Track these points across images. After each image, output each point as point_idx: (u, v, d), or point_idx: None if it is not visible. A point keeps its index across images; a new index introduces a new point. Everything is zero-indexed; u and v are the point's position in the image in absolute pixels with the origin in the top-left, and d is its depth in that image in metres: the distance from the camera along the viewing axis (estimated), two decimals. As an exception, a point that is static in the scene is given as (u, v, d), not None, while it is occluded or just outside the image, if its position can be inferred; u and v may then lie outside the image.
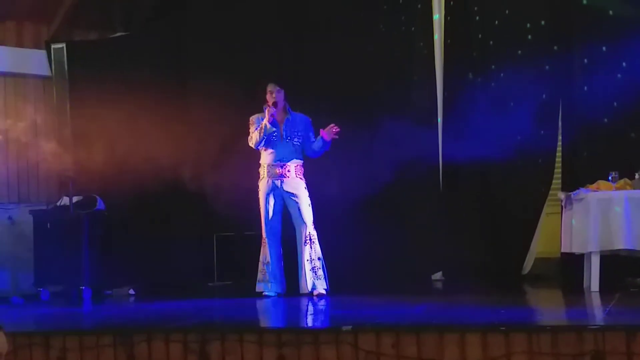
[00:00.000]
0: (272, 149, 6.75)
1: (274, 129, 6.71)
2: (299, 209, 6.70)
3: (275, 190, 6.72)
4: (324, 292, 6.65)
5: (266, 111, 6.72)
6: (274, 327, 5.36)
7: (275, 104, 6.69)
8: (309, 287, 6.65)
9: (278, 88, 6.80)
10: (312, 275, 6.66)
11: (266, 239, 6.69)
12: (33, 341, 4.99)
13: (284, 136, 6.76)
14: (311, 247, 6.66)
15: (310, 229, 6.68)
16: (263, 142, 6.73)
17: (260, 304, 6.42)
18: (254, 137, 6.78)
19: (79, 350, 4.95)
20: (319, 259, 6.68)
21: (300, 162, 6.80)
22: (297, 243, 6.75)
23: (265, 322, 5.73)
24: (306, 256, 6.66)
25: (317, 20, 8.09)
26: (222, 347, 4.76)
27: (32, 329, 5.62)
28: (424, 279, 7.69)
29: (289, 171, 6.73)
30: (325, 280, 6.69)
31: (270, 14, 8.20)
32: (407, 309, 5.54)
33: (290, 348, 4.65)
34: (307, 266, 6.65)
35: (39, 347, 4.98)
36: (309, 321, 5.75)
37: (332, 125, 6.68)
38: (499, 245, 7.54)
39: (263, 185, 6.76)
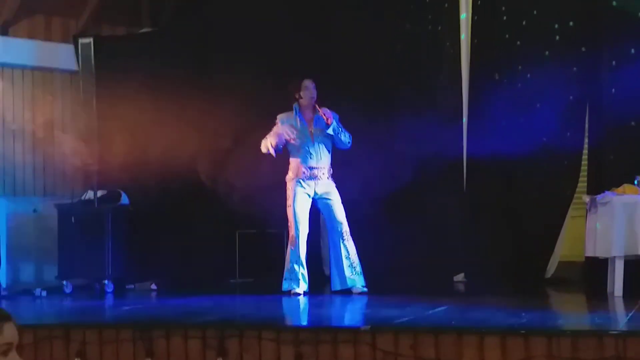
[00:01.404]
0: (303, 149, 6.70)
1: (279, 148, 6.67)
2: (333, 209, 6.68)
3: (307, 192, 6.68)
4: (364, 289, 6.63)
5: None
6: (292, 325, 5.35)
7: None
8: (348, 284, 6.63)
9: (314, 84, 6.73)
10: (351, 272, 6.65)
11: (296, 239, 6.65)
12: (53, 334, 5.03)
13: (314, 135, 6.71)
14: (347, 244, 6.65)
15: (346, 227, 6.67)
16: (271, 152, 6.66)
17: (280, 301, 6.42)
18: (266, 143, 6.68)
19: (99, 344, 4.98)
20: (355, 255, 6.67)
21: (330, 161, 6.77)
22: (331, 242, 6.73)
23: (284, 320, 5.73)
24: (344, 253, 6.65)
25: (345, 18, 8.06)
26: (240, 344, 4.77)
27: (53, 321, 5.68)
28: (446, 280, 7.64)
29: (323, 174, 6.71)
30: (363, 276, 6.67)
31: (298, 11, 8.19)
32: (427, 309, 5.51)
33: (308, 346, 4.64)
34: (346, 263, 6.65)
35: (59, 340, 5.01)
36: (328, 320, 5.74)
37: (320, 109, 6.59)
38: (522, 247, 7.48)
39: (294, 186, 6.69)
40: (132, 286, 7.79)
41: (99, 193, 7.87)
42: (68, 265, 7.72)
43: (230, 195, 7.91)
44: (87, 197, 7.94)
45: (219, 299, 6.64)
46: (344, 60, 7.99)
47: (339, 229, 6.67)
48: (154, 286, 7.71)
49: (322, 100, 6.94)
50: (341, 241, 6.65)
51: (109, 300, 7.05)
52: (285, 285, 6.68)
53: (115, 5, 8.57)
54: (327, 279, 7.73)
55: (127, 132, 8.27)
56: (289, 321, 5.73)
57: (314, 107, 6.69)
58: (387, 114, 7.71)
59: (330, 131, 6.65)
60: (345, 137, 6.71)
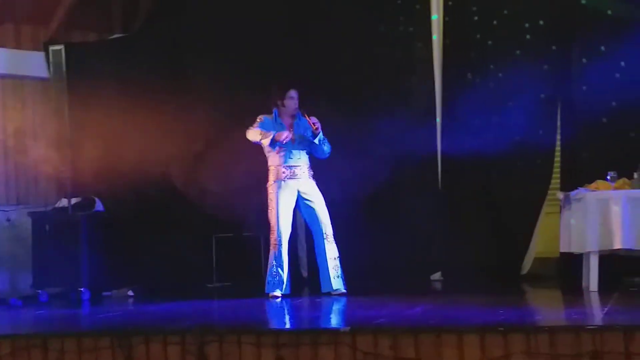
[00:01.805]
0: (283, 151, 6.69)
1: (283, 147, 6.67)
2: (317, 210, 6.68)
3: (290, 192, 6.67)
4: (344, 291, 6.65)
5: (284, 134, 6.59)
6: (272, 328, 5.35)
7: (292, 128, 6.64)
8: (334, 286, 6.64)
9: (298, 94, 6.74)
10: (335, 273, 6.66)
11: (279, 241, 6.64)
12: (31, 343, 4.98)
13: (295, 142, 6.71)
14: (331, 246, 6.66)
15: (330, 228, 6.68)
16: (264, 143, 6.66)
17: (259, 305, 6.41)
18: (256, 137, 6.66)
19: (77, 353, 4.94)
20: (337, 257, 6.69)
21: (309, 163, 6.78)
22: (315, 243, 6.73)
23: (263, 323, 5.73)
24: (329, 254, 6.65)
25: (318, 20, 8.08)
26: (220, 349, 4.76)
27: (30, 331, 5.63)
28: (423, 279, 7.68)
29: (303, 172, 6.71)
30: (343, 279, 6.70)
31: (271, 14, 8.19)
32: (406, 309, 5.53)
33: (289, 349, 4.64)
34: (331, 264, 6.66)
35: (37, 350, 4.97)
36: (307, 322, 5.74)
37: (309, 118, 6.60)
38: (498, 245, 7.54)
39: (275, 188, 6.67)
40: (109, 293, 7.74)
41: (73, 200, 7.81)
42: (43, 274, 7.66)
43: (205, 199, 7.90)
44: (61, 205, 7.89)
45: (197, 304, 6.62)
46: (317, 62, 8.00)
47: (323, 231, 6.68)
48: (130, 293, 7.67)
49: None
50: (325, 243, 6.66)
51: (86, 308, 7.00)
52: (268, 288, 6.67)
53: (86, 11, 8.50)
54: (305, 282, 7.77)
55: (100, 139, 8.23)
56: (269, 324, 5.72)
57: (302, 115, 6.68)
58: (361, 116, 7.74)
59: (316, 141, 6.65)
60: (326, 147, 6.73)
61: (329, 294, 6.66)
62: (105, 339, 4.93)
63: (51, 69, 8.24)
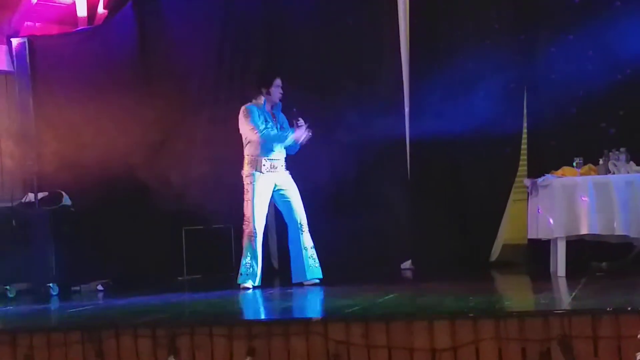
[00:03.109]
0: (266, 143, 6.65)
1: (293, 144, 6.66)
2: (293, 201, 6.69)
3: (268, 185, 6.65)
4: (319, 278, 6.68)
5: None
6: (244, 319, 5.34)
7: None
8: (309, 275, 6.65)
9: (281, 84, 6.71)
10: (312, 262, 6.69)
11: (254, 233, 6.62)
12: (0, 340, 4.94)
13: (278, 132, 6.69)
14: (307, 236, 6.68)
15: (305, 219, 6.70)
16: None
17: (230, 297, 6.40)
18: (259, 134, 6.58)
19: (47, 348, 4.91)
20: (312, 247, 6.71)
21: (285, 155, 6.78)
22: (291, 234, 6.74)
23: (234, 315, 5.72)
24: (304, 244, 6.67)
25: (284, 10, 8.07)
26: (191, 341, 4.74)
27: (-2, 327, 5.56)
28: (393, 267, 7.72)
29: (282, 165, 6.71)
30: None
31: (238, 5, 8.16)
32: (377, 298, 5.56)
33: (261, 340, 4.65)
34: (307, 254, 6.67)
35: (6, 346, 4.92)
36: (279, 313, 5.75)
37: (302, 126, 6.60)
38: (467, 232, 7.59)
39: (253, 181, 6.62)
40: (78, 288, 7.68)
41: (40, 195, 7.74)
42: (10, 270, 7.56)
43: (172, 192, 7.86)
44: (27, 200, 7.81)
45: (167, 297, 6.59)
46: (284, 52, 8.00)
47: (299, 221, 6.69)
48: (100, 287, 7.62)
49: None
50: (301, 233, 6.67)
51: (55, 303, 6.94)
52: (241, 279, 6.66)
53: (50, 4, 8.41)
54: (277, 273, 7.76)
55: (65, 132, 8.16)
56: (240, 316, 5.72)
57: (294, 118, 6.68)
58: (330, 107, 7.75)
59: (297, 146, 6.68)
60: (297, 146, 6.75)
61: (300, 284, 6.66)
62: (75, 333, 4.90)
63: (15, 62, 8.15)
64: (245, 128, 6.67)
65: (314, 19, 7.96)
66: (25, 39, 8.08)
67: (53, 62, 8.31)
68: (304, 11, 7.98)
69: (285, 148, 6.77)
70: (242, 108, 6.73)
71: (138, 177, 7.90)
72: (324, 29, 7.93)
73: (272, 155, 6.67)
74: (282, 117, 6.78)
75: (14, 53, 8.09)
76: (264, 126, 6.61)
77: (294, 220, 6.70)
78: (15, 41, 8.10)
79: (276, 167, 6.67)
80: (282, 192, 6.70)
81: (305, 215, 6.72)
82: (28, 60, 8.00)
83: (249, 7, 8.11)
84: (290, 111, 6.71)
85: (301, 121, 6.65)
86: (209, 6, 8.20)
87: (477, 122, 7.26)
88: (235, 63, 8.05)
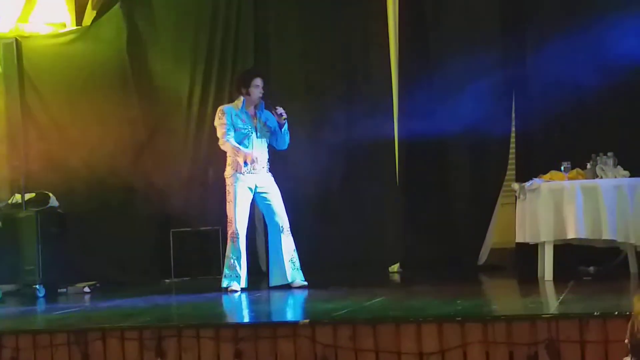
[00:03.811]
0: (243, 144, 6.62)
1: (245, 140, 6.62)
2: (273, 204, 6.66)
3: (249, 186, 6.62)
4: (305, 283, 6.65)
5: (250, 157, 6.52)
6: (231, 322, 5.33)
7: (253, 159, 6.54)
8: (290, 278, 6.63)
9: (263, 82, 6.67)
10: (291, 266, 6.65)
11: (236, 235, 6.59)
12: (-15, 342, 4.91)
13: (258, 134, 6.67)
14: (287, 239, 6.65)
15: (287, 221, 6.67)
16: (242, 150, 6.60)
17: (218, 299, 6.38)
18: (224, 139, 6.57)
19: (33, 350, 4.88)
20: (294, 250, 6.68)
21: (268, 156, 6.74)
22: (270, 236, 6.72)
23: (222, 317, 5.71)
24: (285, 247, 6.63)
25: (271, 6, 8.06)
26: (178, 344, 4.73)
27: (-17, 329, 5.52)
28: (381, 270, 7.71)
29: (262, 167, 6.68)
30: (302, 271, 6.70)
31: (226, 3, 8.16)
32: (364, 301, 5.55)
33: (248, 343, 4.63)
34: (287, 257, 6.64)
35: (-10, 348, 4.90)
36: (266, 315, 5.73)
37: (275, 109, 6.59)
38: (455, 236, 7.60)
39: (234, 182, 6.59)
40: (64, 290, 7.65)
41: (27, 196, 7.70)
42: (-3, 271, 7.54)
43: (159, 195, 7.85)
44: (14, 201, 7.78)
45: (154, 299, 6.56)
46: (270, 49, 8.00)
47: (279, 224, 6.66)
48: (86, 289, 7.59)
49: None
50: (281, 236, 6.64)
51: (41, 305, 6.91)
52: (224, 282, 6.63)
53: (38, 4, 8.37)
54: (264, 275, 7.73)
55: (53, 133, 8.14)
56: (227, 319, 5.70)
57: (269, 108, 6.64)
58: (317, 108, 7.74)
59: (284, 129, 6.62)
60: (287, 138, 6.71)
61: (282, 286, 6.63)
62: (61, 335, 4.88)
63: (2, 62, 8.11)
64: (217, 130, 6.66)
65: (303, 18, 7.94)
66: (14, 39, 8.04)
67: (42, 62, 8.28)
68: (293, 11, 7.97)
69: (275, 143, 6.73)
70: (218, 109, 6.73)
71: (126, 179, 7.89)
72: (312, 27, 7.91)
73: (251, 159, 6.63)
74: (265, 114, 6.73)
75: (2, 53, 8.04)
76: (232, 133, 6.57)
77: (275, 223, 6.68)
78: (3, 41, 8.05)
79: (256, 169, 6.63)
80: (263, 194, 6.68)
81: (287, 218, 6.67)
82: (16, 61, 7.95)
83: (238, 6, 8.09)
84: (269, 105, 6.67)
85: (279, 109, 6.60)
86: (197, 6, 8.18)
87: (466, 125, 7.26)
88: (224, 62, 8.03)
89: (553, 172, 6.59)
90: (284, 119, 6.61)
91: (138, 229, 7.98)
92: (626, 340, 3.42)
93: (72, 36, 8.45)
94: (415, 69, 7.66)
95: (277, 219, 6.67)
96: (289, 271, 6.64)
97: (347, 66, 7.89)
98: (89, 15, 8.56)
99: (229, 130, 6.60)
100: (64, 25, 8.60)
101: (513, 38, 7.39)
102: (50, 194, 7.83)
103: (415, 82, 7.56)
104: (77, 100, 8.05)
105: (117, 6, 8.30)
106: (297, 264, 6.69)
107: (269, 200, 6.68)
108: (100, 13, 8.49)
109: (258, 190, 6.67)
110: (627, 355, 3.36)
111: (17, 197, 7.74)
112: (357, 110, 7.49)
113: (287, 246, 6.66)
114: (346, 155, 7.59)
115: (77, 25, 8.58)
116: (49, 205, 7.77)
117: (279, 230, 6.66)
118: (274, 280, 6.69)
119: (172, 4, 8.27)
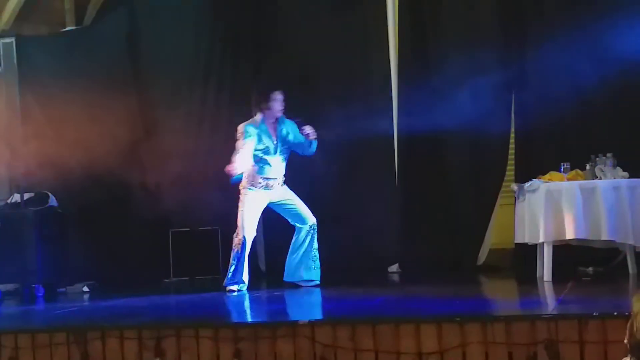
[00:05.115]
0: (262, 160, 6.63)
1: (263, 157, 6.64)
2: (298, 209, 6.72)
3: (261, 201, 6.65)
4: (318, 282, 6.75)
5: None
6: (230, 322, 5.33)
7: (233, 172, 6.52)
8: (312, 276, 6.71)
9: (283, 96, 6.67)
10: (313, 265, 6.73)
11: (243, 242, 6.58)
12: (-16, 341, 4.91)
13: (277, 150, 6.67)
14: (315, 238, 6.74)
15: (314, 220, 6.74)
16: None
17: (217, 299, 6.38)
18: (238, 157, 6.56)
19: (32, 349, 4.88)
20: (316, 249, 6.78)
21: (284, 171, 6.77)
22: (298, 235, 6.76)
23: (221, 317, 5.71)
24: (314, 246, 6.74)
25: (271, 5, 8.07)
26: (177, 344, 4.73)
27: (-17, 328, 5.52)
28: (381, 271, 7.72)
29: (278, 183, 6.71)
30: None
31: (228, 5, 8.16)
32: (364, 301, 5.55)
33: (247, 343, 4.64)
34: (312, 256, 6.73)
35: (-10, 347, 4.89)
36: (266, 315, 5.73)
37: (305, 128, 6.62)
38: (454, 236, 7.60)
39: (247, 193, 6.59)
40: (64, 289, 7.65)
41: (26, 196, 7.71)
42: (-4, 270, 7.54)
43: (159, 194, 7.85)
44: (13, 200, 7.78)
45: (153, 299, 6.57)
46: (270, 48, 8.00)
47: (310, 225, 6.72)
48: (85, 288, 7.59)
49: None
50: (312, 235, 6.71)
51: (40, 304, 6.91)
52: (230, 284, 6.61)
53: (38, 3, 8.37)
54: (264, 275, 7.75)
55: (52, 133, 8.13)
56: (227, 318, 5.70)
57: (298, 125, 6.67)
58: (317, 107, 7.73)
59: (313, 148, 6.69)
60: (314, 147, 6.75)
61: (286, 285, 6.65)
62: (61, 334, 4.88)
63: (2, 62, 8.11)
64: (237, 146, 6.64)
65: (303, 18, 7.95)
66: (13, 39, 8.04)
67: (41, 62, 8.28)
68: (293, 12, 7.98)
69: (300, 151, 6.77)
70: (239, 127, 6.68)
71: (125, 179, 7.88)
72: (310, 22, 7.91)
73: (268, 174, 6.64)
74: (287, 126, 6.71)
75: (1, 53, 8.04)
76: (249, 142, 6.57)
77: (305, 226, 6.73)
78: (2, 40, 8.05)
79: (271, 186, 6.66)
80: (282, 203, 6.72)
81: (314, 218, 6.75)
82: (16, 60, 7.95)
83: (238, 7, 8.10)
84: (295, 121, 6.70)
85: (306, 129, 6.64)
86: (197, 5, 8.19)
87: (466, 125, 7.26)
88: (225, 62, 8.04)
89: (552, 173, 6.59)
90: (314, 139, 6.63)
91: (137, 229, 7.98)
92: (625, 341, 3.42)
93: (72, 36, 8.44)
94: (414, 69, 7.66)
95: (307, 221, 6.73)
96: (312, 269, 6.72)
97: (347, 66, 7.88)
98: (89, 15, 8.56)
99: (242, 148, 6.53)
100: (64, 25, 8.60)
101: (513, 37, 7.38)
102: (50, 194, 7.83)
103: (414, 82, 7.56)
104: (76, 100, 8.04)
105: (117, 6, 8.29)
106: (318, 263, 6.78)
107: (293, 205, 6.73)
108: (101, 13, 8.49)
109: (275, 203, 6.71)
110: (626, 356, 3.36)
111: (17, 197, 7.73)
112: (357, 110, 7.48)
113: (315, 245, 6.75)
114: (345, 155, 7.58)
115: (77, 25, 8.58)
116: (48, 204, 7.78)
117: (310, 231, 6.72)
118: (294, 276, 6.74)
119: (172, 4, 8.27)
